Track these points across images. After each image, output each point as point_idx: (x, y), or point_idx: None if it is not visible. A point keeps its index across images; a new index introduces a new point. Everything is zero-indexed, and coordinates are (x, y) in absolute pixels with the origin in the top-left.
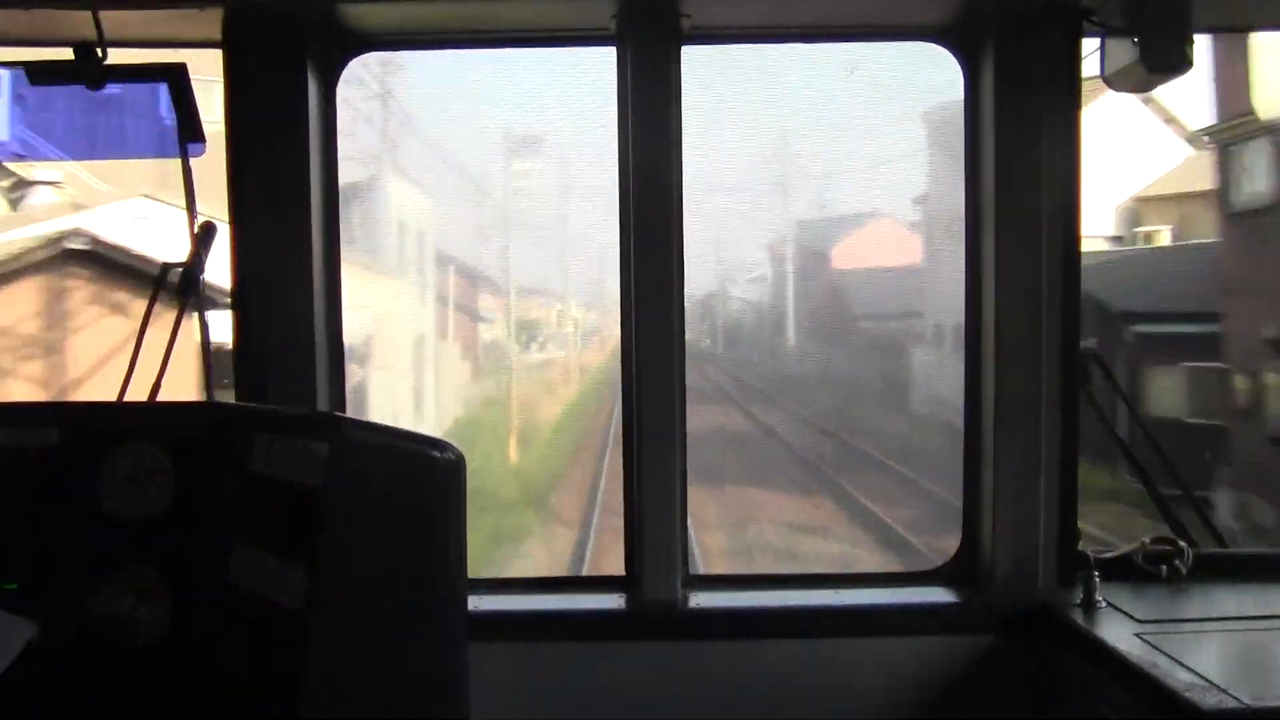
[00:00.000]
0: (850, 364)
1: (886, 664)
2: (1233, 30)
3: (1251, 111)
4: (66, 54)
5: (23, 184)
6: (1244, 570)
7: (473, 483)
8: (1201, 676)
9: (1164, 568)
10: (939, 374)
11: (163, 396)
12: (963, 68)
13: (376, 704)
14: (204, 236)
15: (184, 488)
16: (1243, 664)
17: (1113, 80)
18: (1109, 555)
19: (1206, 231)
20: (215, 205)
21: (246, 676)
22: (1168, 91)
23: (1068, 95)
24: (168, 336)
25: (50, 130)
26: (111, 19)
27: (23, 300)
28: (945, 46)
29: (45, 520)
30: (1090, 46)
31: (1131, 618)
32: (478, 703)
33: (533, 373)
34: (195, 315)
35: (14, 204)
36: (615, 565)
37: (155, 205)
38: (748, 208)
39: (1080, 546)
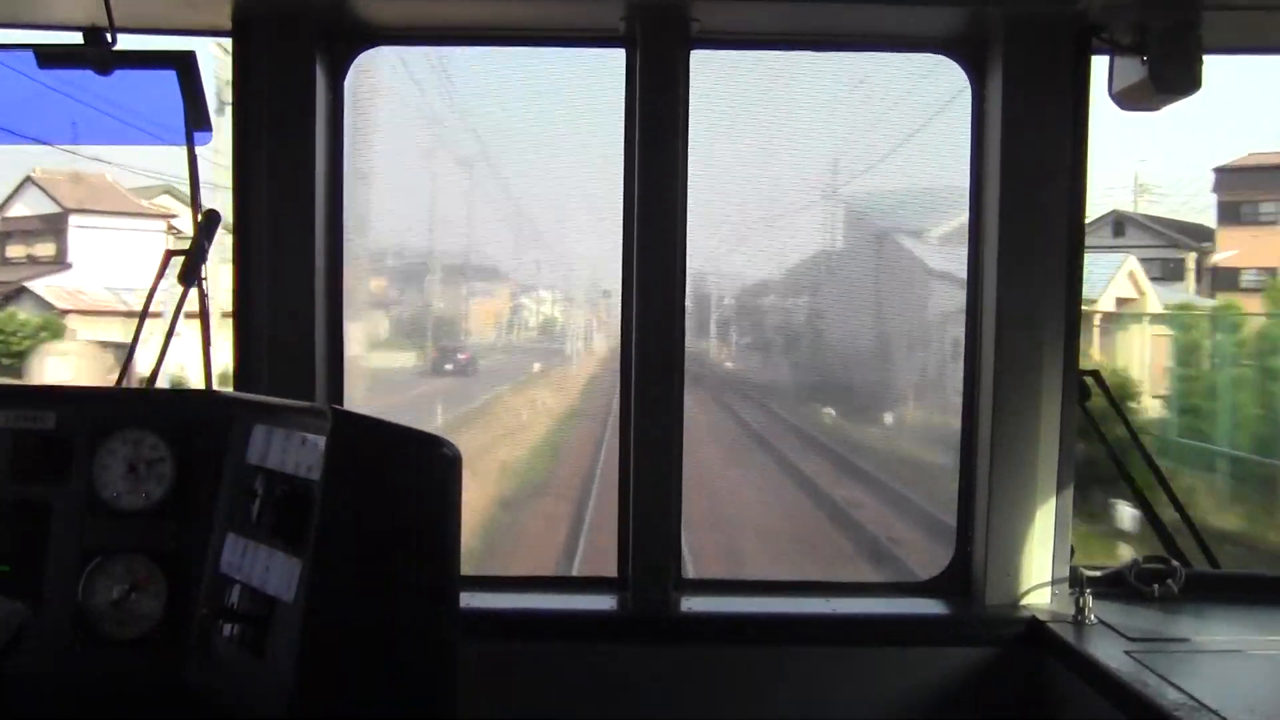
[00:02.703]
0: None
1: (876, 674)
2: (1243, 52)
3: None
4: (76, 38)
5: None
6: (1236, 591)
7: None
8: (1190, 696)
9: (1156, 586)
10: None
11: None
12: (970, 81)
13: (366, 697)
14: (207, 225)
15: (181, 477)
16: (1231, 685)
17: (1120, 99)
18: (1102, 572)
19: None
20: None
21: (239, 668)
22: None
23: (1075, 111)
24: (167, 324)
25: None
26: (122, 5)
27: None
28: (953, 59)
29: (41, 505)
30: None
31: (1122, 635)
32: (466, 700)
33: None
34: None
35: None
36: None
37: None
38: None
39: (1073, 562)
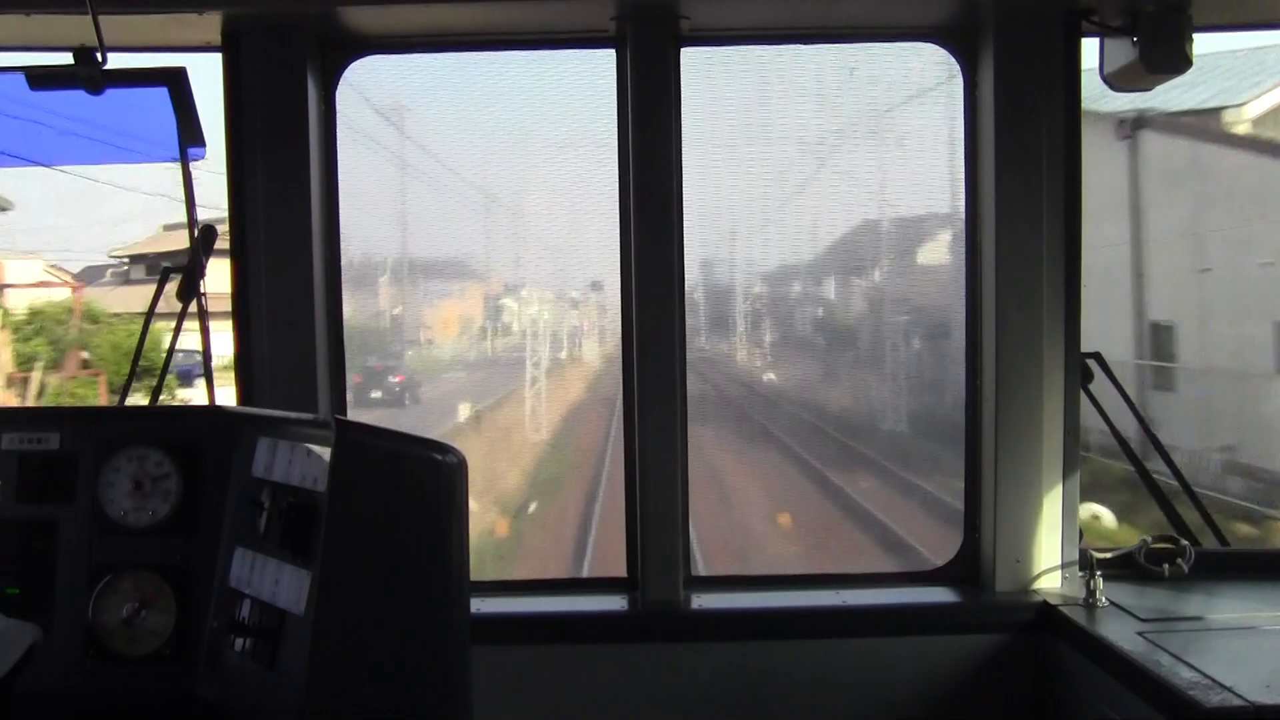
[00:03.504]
0: None
1: (889, 664)
2: (1232, 29)
3: None
4: (66, 59)
5: None
6: (1246, 569)
7: None
8: (1204, 675)
9: (1166, 566)
10: None
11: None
12: (962, 68)
13: (380, 707)
14: (204, 240)
15: (187, 493)
16: (1245, 662)
17: (1112, 80)
18: (1111, 554)
19: None
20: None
21: (250, 681)
22: None
23: (1067, 95)
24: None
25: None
26: (111, 24)
27: None
28: (944, 47)
29: (48, 524)
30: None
31: (1134, 616)
32: (480, 705)
33: None
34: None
35: None
36: None
37: None
38: None
39: (1082, 545)
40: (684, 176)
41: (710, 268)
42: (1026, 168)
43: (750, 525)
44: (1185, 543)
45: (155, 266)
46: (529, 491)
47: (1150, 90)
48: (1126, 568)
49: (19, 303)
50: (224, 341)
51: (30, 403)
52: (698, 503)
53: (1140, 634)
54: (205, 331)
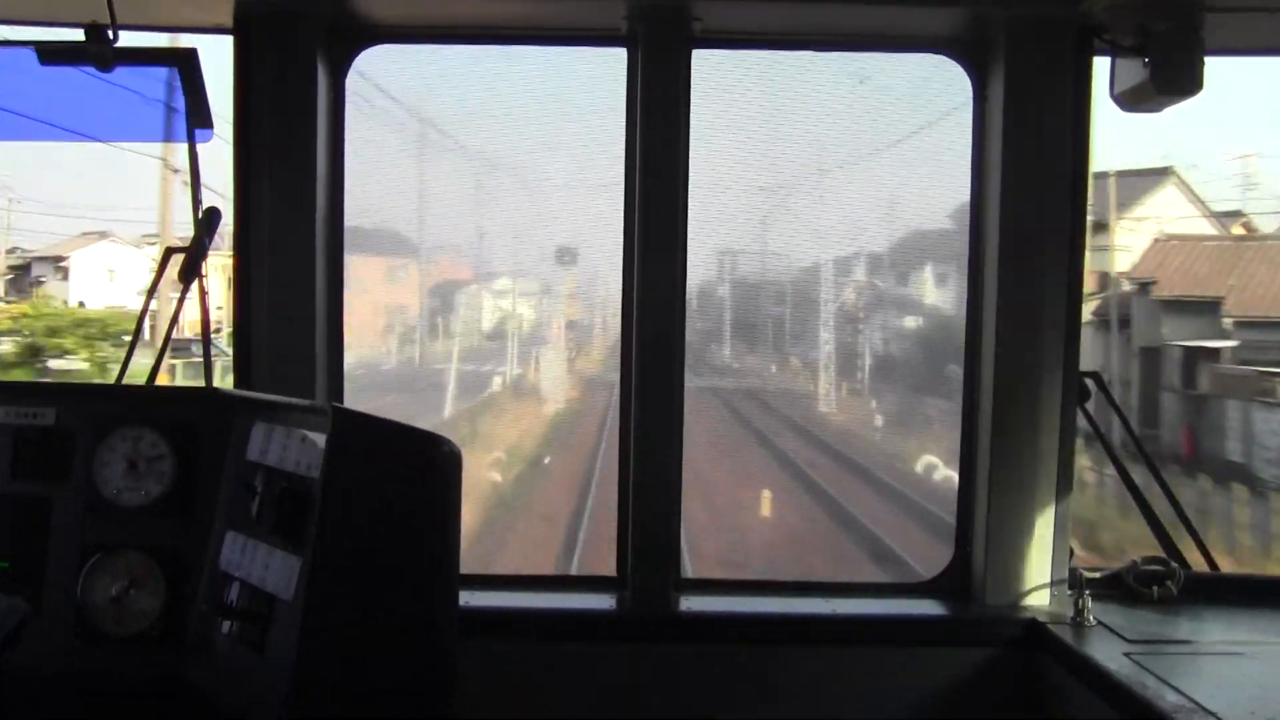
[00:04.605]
0: None
1: (875, 674)
2: (1245, 54)
3: None
4: (78, 35)
5: None
6: (1235, 593)
7: None
8: (1190, 699)
9: (1155, 588)
10: None
11: None
12: (972, 81)
13: (364, 695)
14: (207, 222)
15: (181, 474)
16: (1231, 687)
17: (1122, 100)
18: (1101, 574)
19: None
20: None
21: (238, 665)
22: None
23: (1076, 112)
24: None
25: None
26: (124, 2)
27: None
28: (955, 59)
29: (41, 501)
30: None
31: (1121, 637)
32: (464, 699)
33: None
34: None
35: None
36: None
37: None
38: None
39: (1072, 564)
40: (690, 177)
41: (709, 268)
42: (1032, 183)
43: None
44: (1175, 565)
45: None
46: None
47: (1160, 111)
48: (1116, 588)
49: None
50: None
51: None
52: None
53: (1127, 655)
54: (205, 313)
